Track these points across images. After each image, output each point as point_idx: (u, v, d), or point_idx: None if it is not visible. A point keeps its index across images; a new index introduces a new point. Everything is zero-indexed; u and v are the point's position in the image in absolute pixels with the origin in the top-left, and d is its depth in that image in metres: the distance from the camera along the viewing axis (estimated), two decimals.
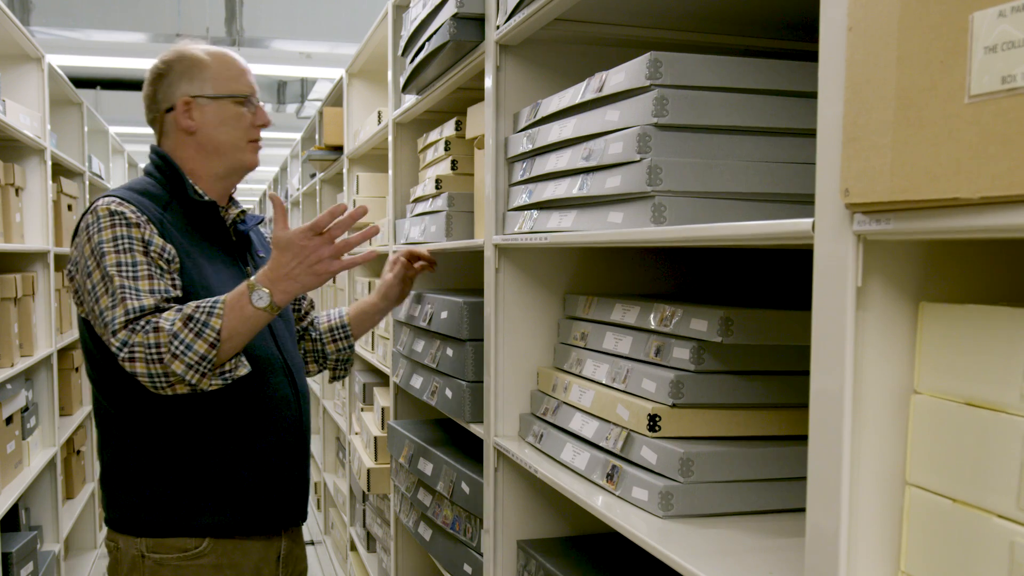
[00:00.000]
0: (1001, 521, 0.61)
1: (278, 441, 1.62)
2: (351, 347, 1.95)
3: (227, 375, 1.43)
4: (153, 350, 1.37)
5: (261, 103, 1.68)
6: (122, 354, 1.38)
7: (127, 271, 1.43)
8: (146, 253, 1.46)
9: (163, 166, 1.62)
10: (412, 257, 1.96)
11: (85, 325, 1.54)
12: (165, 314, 1.40)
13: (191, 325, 1.38)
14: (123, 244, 1.45)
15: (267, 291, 1.42)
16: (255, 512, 1.60)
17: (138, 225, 1.47)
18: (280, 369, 1.64)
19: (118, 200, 1.50)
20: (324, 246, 1.45)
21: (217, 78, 1.60)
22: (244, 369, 1.45)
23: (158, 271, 1.46)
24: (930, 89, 0.60)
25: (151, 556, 1.54)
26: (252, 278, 1.44)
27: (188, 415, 1.53)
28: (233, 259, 1.66)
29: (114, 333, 1.39)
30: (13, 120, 3.03)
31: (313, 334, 1.92)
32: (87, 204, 4.54)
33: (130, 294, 1.41)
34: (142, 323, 1.39)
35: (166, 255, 1.49)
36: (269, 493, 1.61)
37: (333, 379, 1.99)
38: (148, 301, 1.41)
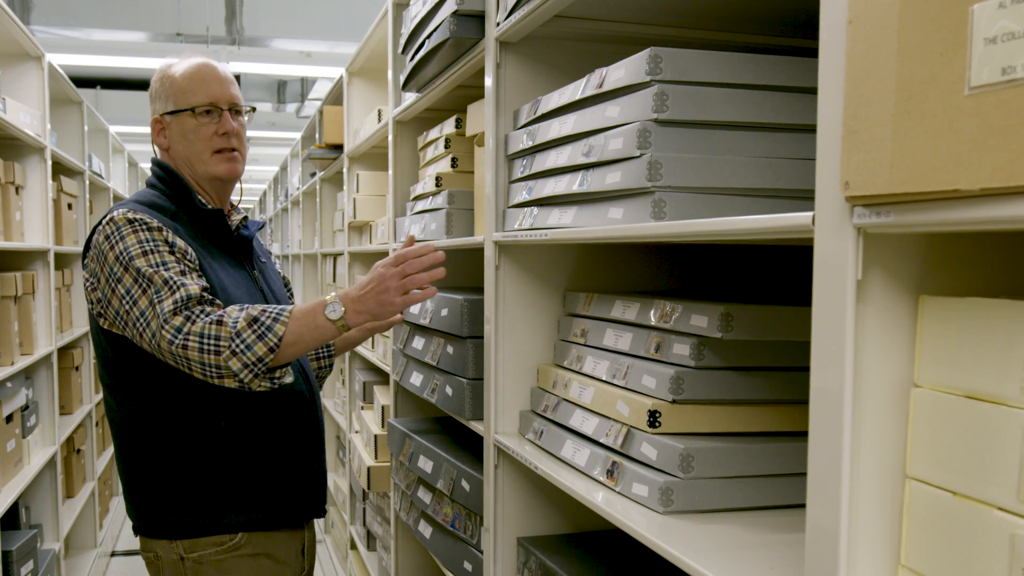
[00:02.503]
0: (1001, 514, 0.61)
1: (298, 437, 1.66)
2: (331, 365, 2.00)
3: (275, 380, 1.47)
4: (212, 341, 1.39)
5: (238, 109, 1.68)
6: (177, 340, 1.39)
7: (162, 268, 1.46)
8: (172, 253, 1.50)
9: (165, 177, 1.65)
10: None
11: (102, 334, 1.55)
12: (228, 310, 1.43)
13: (255, 327, 1.41)
14: (149, 246, 1.48)
15: (342, 307, 1.47)
16: (281, 507, 1.63)
17: (160, 229, 1.51)
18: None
19: (132, 209, 1.53)
20: (395, 279, 1.49)
21: (178, 93, 1.63)
22: (289, 377, 1.49)
23: (187, 268, 1.50)
24: (930, 81, 0.60)
25: (189, 557, 1.56)
26: (331, 294, 1.49)
27: (211, 415, 1.55)
28: (240, 263, 1.69)
29: (165, 321, 1.40)
30: (13, 119, 3.03)
31: None
32: (87, 203, 4.56)
33: (175, 285, 1.43)
34: (197, 311, 1.42)
35: (188, 257, 1.53)
36: (293, 488, 1.64)
37: None
38: (194, 290, 1.44)
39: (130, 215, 1.51)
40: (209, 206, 1.65)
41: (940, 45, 0.60)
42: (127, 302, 1.45)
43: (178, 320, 1.41)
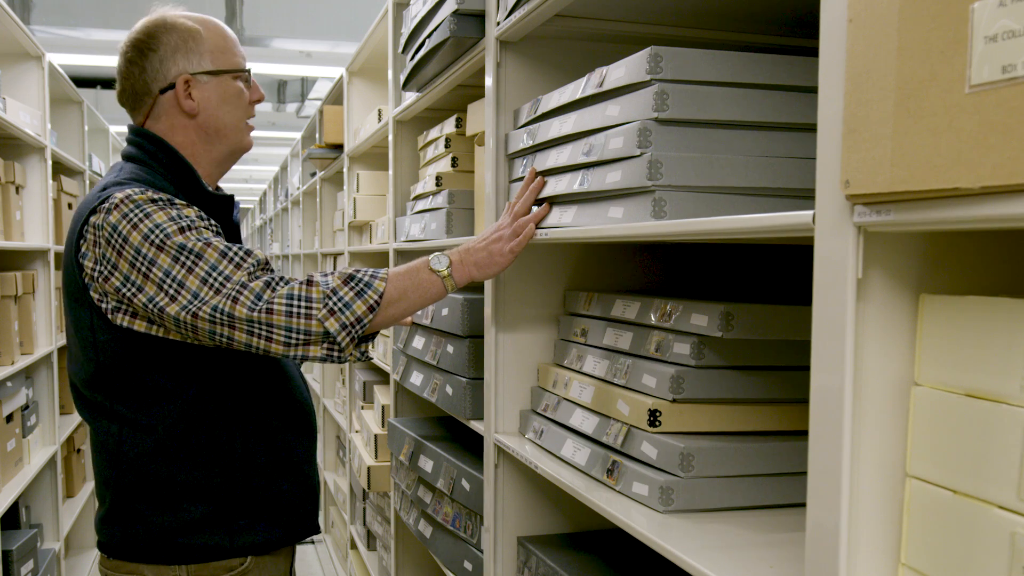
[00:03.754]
0: (1002, 512, 0.61)
1: (309, 449, 1.57)
2: None
3: (364, 352, 1.35)
4: (302, 303, 1.27)
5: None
6: (259, 306, 1.25)
7: (213, 242, 1.30)
8: (209, 229, 1.34)
9: (161, 156, 1.45)
10: None
11: (109, 332, 1.36)
12: (315, 275, 1.32)
13: (352, 284, 1.30)
14: (184, 222, 1.31)
15: (447, 258, 1.37)
16: (292, 524, 1.52)
17: (187, 204, 1.36)
18: (299, 377, 1.61)
19: (149, 188, 1.36)
20: (508, 227, 1.40)
21: (215, 51, 1.46)
22: (373, 351, 1.38)
23: (217, 235, 1.36)
24: (930, 79, 0.60)
25: None
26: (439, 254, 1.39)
27: (228, 428, 1.42)
28: None
29: (240, 290, 1.26)
30: (13, 118, 3.03)
31: None
32: None
33: (237, 255, 1.30)
34: (276, 276, 1.30)
35: (222, 234, 1.39)
36: (303, 504, 1.54)
37: None
38: (261, 255, 1.32)
39: (150, 194, 1.33)
40: (210, 189, 1.50)
41: (940, 43, 0.60)
42: (170, 285, 1.27)
43: (257, 285, 1.27)
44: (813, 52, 0.77)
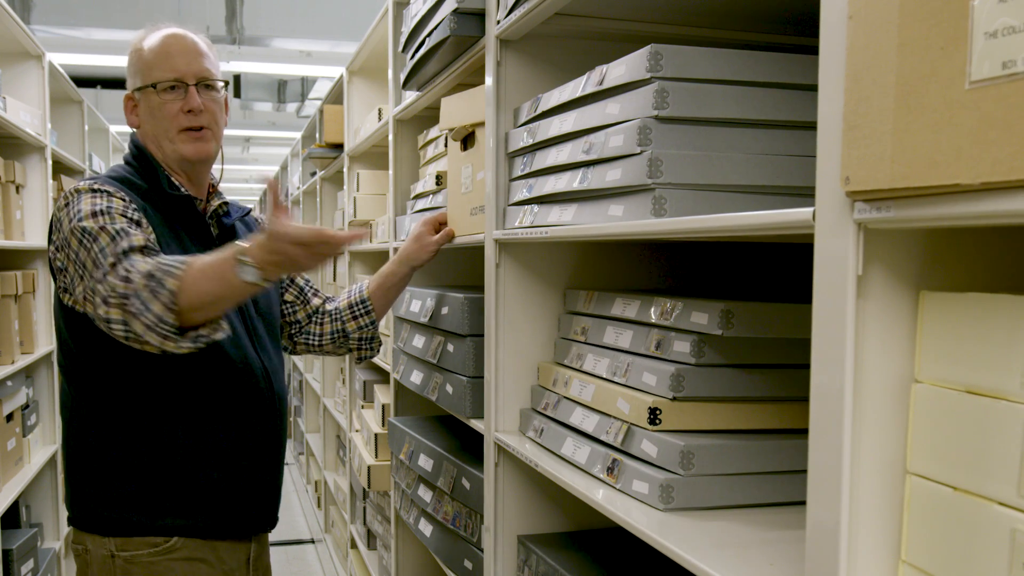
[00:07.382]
0: (1002, 509, 0.61)
1: (251, 444, 1.57)
2: (374, 323, 1.83)
3: (200, 338, 1.31)
4: (120, 300, 1.27)
5: (209, 83, 1.57)
6: (110, 299, 1.28)
7: (108, 225, 1.36)
8: (124, 216, 1.40)
9: (137, 155, 1.59)
10: (435, 225, 1.87)
11: (63, 312, 1.48)
12: (139, 262, 1.30)
13: (150, 283, 1.26)
14: (101, 206, 1.40)
15: (258, 271, 1.28)
16: (223, 516, 1.55)
17: (122, 199, 1.44)
18: (259, 372, 1.59)
19: (97, 182, 1.48)
20: (308, 258, 1.30)
21: (144, 68, 1.55)
22: (221, 333, 1.34)
23: (136, 226, 1.40)
24: (930, 76, 0.60)
25: (120, 555, 1.48)
26: (244, 248, 1.28)
27: (158, 408, 1.48)
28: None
29: (103, 279, 1.30)
30: (14, 117, 3.03)
31: (333, 314, 1.82)
32: None
33: (120, 236, 1.33)
34: (124, 263, 1.30)
35: (143, 225, 1.43)
36: (238, 497, 1.56)
37: (359, 359, 1.88)
38: (138, 240, 1.33)
39: (95, 186, 1.45)
40: (183, 190, 1.55)
41: (940, 40, 0.60)
42: (78, 271, 1.36)
43: (111, 274, 1.29)
44: (813, 50, 0.77)
